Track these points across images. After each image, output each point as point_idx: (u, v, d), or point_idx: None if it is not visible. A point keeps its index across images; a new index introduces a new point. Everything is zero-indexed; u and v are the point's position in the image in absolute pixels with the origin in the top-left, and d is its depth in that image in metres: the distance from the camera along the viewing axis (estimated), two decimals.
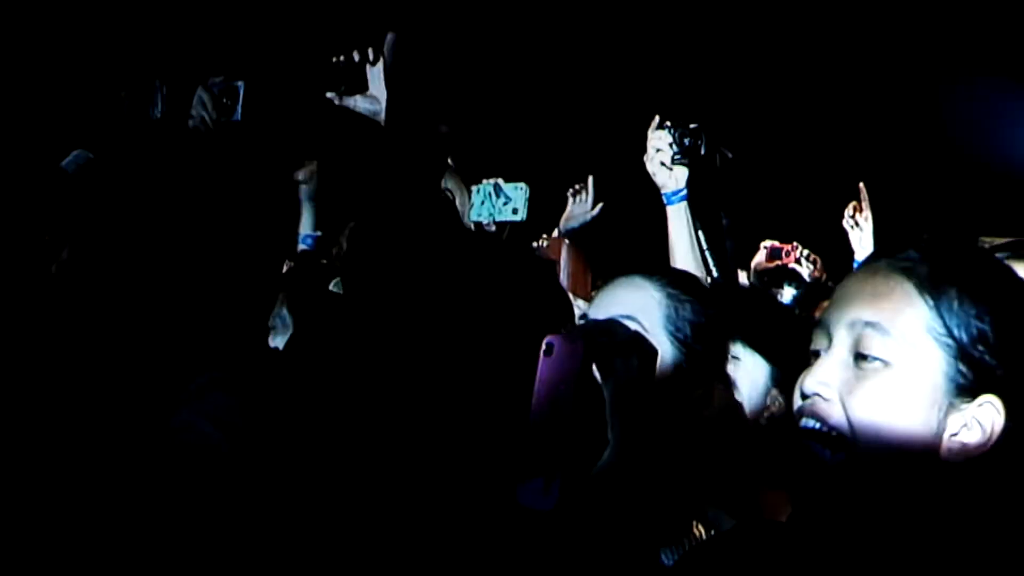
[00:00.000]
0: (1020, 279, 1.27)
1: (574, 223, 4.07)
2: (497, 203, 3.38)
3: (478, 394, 1.45)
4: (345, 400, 1.51)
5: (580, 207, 4.34)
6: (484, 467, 1.42)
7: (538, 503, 1.34)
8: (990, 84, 6.02)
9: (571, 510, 1.33)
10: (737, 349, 2.14)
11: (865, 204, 4.01)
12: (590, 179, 4.44)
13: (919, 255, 1.25)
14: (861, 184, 4.06)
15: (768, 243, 4.35)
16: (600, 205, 4.36)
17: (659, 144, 3.02)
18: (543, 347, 1.32)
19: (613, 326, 1.45)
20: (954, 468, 1.20)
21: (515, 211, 3.35)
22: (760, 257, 4.35)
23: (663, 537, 1.55)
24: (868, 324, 1.22)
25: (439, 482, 1.44)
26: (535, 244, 3.83)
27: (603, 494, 1.36)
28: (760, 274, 4.33)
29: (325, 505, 1.44)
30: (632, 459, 1.37)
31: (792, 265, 4.32)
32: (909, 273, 1.24)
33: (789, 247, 4.33)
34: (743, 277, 4.38)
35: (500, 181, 3.39)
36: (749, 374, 2.14)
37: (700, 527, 1.58)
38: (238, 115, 2.33)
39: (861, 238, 3.99)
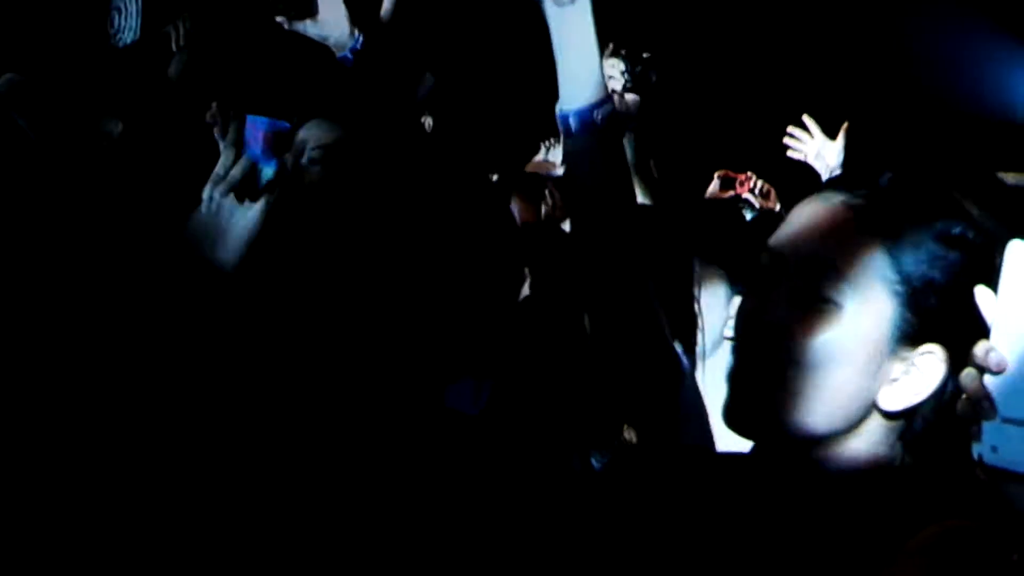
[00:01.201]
0: (977, 224, 1.26)
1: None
2: None
3: (411, 296, 1.48)
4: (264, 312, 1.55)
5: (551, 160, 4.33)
6: (414, 369, 1.45)
7: (465, 406, 1.39)
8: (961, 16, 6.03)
9: (498, 413, 1.39)
10: (697, 265, 2.23)
11: (808, 131, 4.04)
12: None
13: (877, 191, 1.24)
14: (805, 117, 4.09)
15: (722, 172, 4.40)
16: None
17: (611, 72, 3.06)
18: None
19: (551, 231, 1.47)
20: (889, 415, 1.21)
21: None
22: (714, 186, 4.40)
23: (593, 441, 1.61)
24: (819, 260, 1.21)
25: (369, 384, 1.48)
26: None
27: (532, 398, 1.41)
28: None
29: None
30: (564, 364, 1.41)
31: (746, 195, 4.37)
32: (865, 211, 1.22)
33: (743, 177, 4.37)
34: None
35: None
36: (712, 290, 2.22)
37: (632, 432, 1.64)
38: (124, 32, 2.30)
39: (828, 165, 4.00)
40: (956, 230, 1.22)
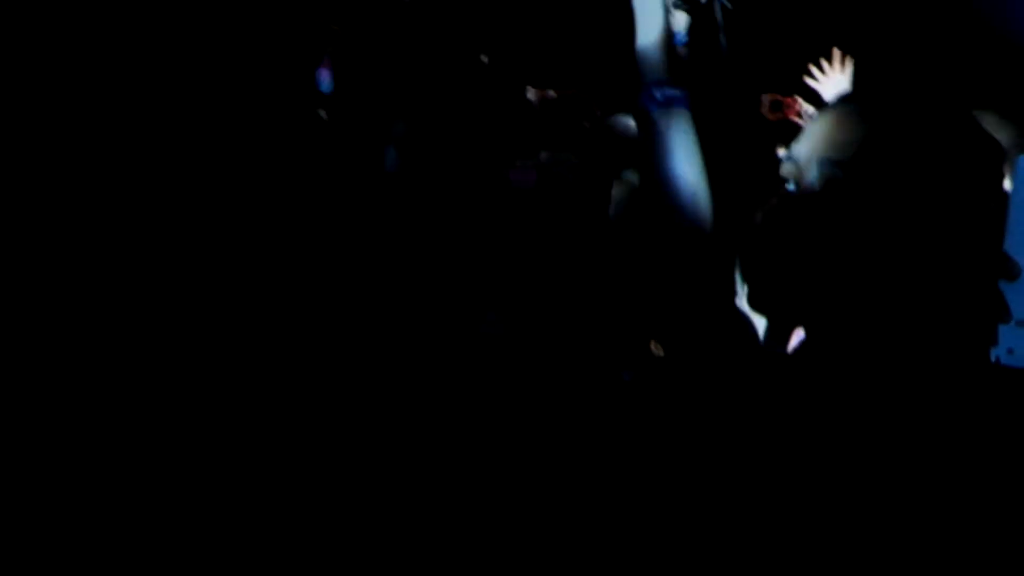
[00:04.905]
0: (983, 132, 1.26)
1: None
2: None
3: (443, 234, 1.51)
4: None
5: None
6: (449, 298, 1.50)
7: (495, 329, 1.43)
8: None
9: (530, 336, 1.42)
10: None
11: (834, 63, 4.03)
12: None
13: (894, 101, 1.25)
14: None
15: (770, 96, 4.34)
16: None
17: None
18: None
19: (563, 158, 1.47)
20: None
21: None
22: (764, 107, 4.35)
23: (623, 357, 1.63)
24: (837, 165, 1.23)
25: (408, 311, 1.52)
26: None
27: (561, 321, 1.44)
28: None
29: None
30: (588, 286, 1.44)
31: (794, 118, 4.33)
32: (882, 118, 1.23)
33: (791, 100, 4.32)
34: None
35: None
36: None
37: (658, 345, 1.66)
38: None
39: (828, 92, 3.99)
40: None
